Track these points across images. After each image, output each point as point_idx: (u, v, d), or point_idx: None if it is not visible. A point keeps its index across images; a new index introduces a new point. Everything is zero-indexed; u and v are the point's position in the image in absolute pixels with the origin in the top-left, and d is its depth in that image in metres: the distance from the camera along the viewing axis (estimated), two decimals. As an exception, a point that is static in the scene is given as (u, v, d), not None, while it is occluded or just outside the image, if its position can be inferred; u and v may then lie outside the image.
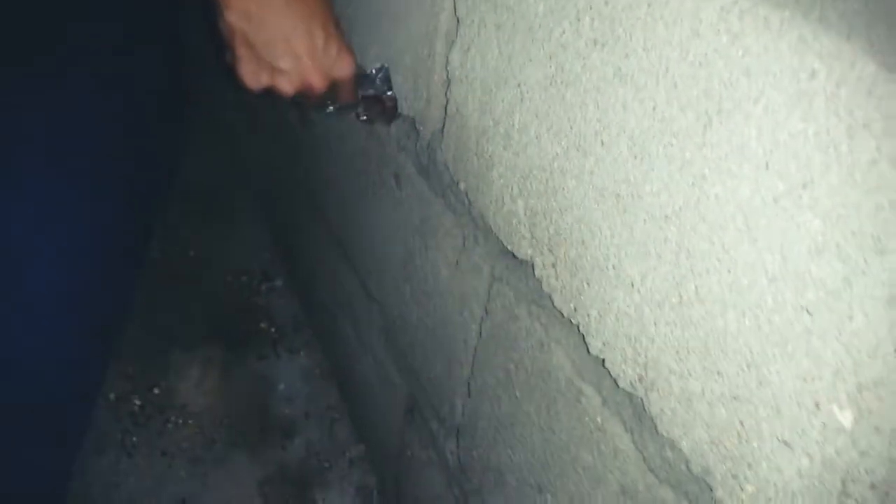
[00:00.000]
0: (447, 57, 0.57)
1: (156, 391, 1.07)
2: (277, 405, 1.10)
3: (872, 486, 0.28)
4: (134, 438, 1.01)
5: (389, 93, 0.69)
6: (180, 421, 1.03)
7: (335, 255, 1.05)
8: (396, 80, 0.68)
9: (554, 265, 0.48)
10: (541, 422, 0.55)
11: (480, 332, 0.63)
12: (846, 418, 0.29)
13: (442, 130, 0.61)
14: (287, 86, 0.60)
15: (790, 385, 0.31)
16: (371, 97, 0.68)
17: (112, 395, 1.03)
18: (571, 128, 0.43)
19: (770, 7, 0.28)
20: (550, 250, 0.48)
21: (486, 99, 0.52)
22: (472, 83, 0.54)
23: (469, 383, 0.67)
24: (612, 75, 0.38)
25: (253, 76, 0.60)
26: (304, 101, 0.64)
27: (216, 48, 0.62)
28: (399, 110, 0.69)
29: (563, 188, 0.45)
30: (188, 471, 0.99)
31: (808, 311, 0.29)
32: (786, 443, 0.32)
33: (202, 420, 1.04)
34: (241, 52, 0.58)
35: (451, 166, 0.61)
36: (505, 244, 0.55)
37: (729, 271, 0.33)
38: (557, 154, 0.45)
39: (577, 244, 0.45)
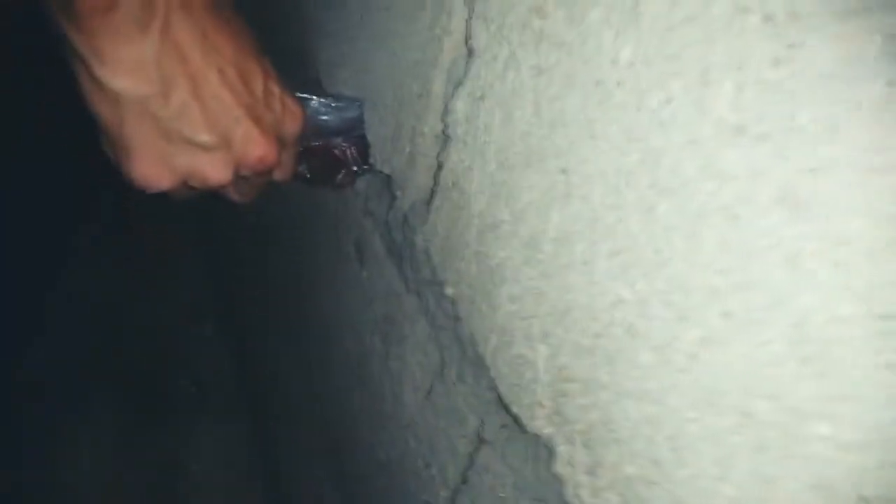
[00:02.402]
0: (447, 104, 0.38)
1: (33, 472, 0.83)
2: (186, 495, 0.87)
3: None
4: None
5: (359, 134, 0.50)
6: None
7: (278, 316, 0.85)
8: (371, 119, 0.49)
9: (591, 471, 0.29)
10: None
11: (447, 483, 0.43)
12: None
13: (428, 204, 0.42)
14: (217, 171, 0.38)
15: None
16: (326, 147, 0.48)
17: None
18: (659, 267, 0.24)
19: None
20: (587, 445, 0.29)
21: (502, 178, 0.34)
22: (483, 150, 0.35)
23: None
24: (773, 199, 0.20)
25: (160, 170, 0.36)
26: (239, 188, 0.43)
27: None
28: (371, 160, 0.50)
29: (630, 360, 0.26)
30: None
31: None
32: None
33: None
34: (137, 135, 0.35)
35: (435, 258, 0.42)
36: (506, 400, 0.35)
37: None
38: (624, 301, 0.26)
39: (645, 462, 0.26)
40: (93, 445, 0.87)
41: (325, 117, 0.49)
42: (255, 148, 0.38)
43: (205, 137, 0.36)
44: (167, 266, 1.13)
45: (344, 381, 0.61)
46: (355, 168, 0.50)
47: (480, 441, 0.39)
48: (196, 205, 1.25)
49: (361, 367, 0.56)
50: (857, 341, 0.18)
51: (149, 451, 0.90)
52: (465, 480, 0.41)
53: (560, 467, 0.32)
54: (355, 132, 0.49)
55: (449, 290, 0.41)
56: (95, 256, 1.10)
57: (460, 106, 0.37)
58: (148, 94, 0.33)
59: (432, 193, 0.41)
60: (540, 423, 0.33)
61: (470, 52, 0.35)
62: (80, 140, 0.38)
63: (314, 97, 0.49)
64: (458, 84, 0.37)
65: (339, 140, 0.49)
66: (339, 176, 0.50)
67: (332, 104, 0.49)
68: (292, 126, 0.41)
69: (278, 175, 0.44)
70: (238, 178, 0.40)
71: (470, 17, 0.35)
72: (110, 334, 1.01)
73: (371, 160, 0.49)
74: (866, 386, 0.18)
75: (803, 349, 0.20)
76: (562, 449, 0.31)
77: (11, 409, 0.90)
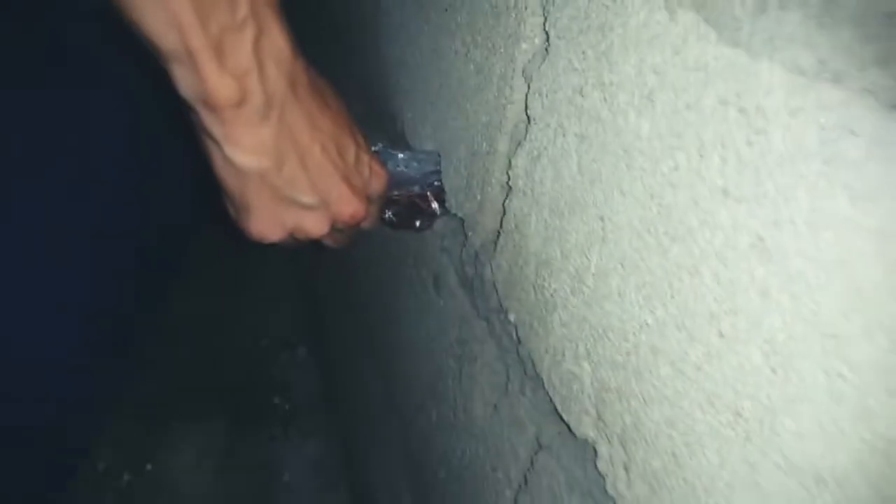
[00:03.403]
0: (510, 160, 0.46)
1: (148, 467, 0.96)
2: (279, 498, 0.97)
3: None
4: (115, 520, 0.90)
5: (437, 183, 0.58)
6: (168, 506, 0.92)
7: (363, 340, 0.94)
8: (447, 170, 0.57)
9: (626, 467, 0.35)
10: None
11: (516, 502, 0.50)
12: None
13: (495, 243, 0.50)
14: (317, 225, 0.46)
15: None
16: (410, 196, 0.57)
17: (100, 466, 0.93)
18: (673, 297, 0.31)
19: None
20: (623, 445, 0.36)
21: (554, 223, 0.41)
22: (539, 199, 0.42)
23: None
24: (749, 245, 0.26)
25: (272, 226, 0.45)
26: (334, 238, 0.51)
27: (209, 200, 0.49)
28: (447, 205, 0.58)
29: (653, 372, 0.33)
30: (169, 567, 0.87)
31: None
32: None
33: (194, 506, 0.92)
34: (255, 199, 0.43)
35: (501, 289, 0.49)
36: (559, 410, 0.42)
37: None
38: (648, 325, 0.33)
39: (666, 456, 0.32)
40: (199, 454, 0.99)
41: (408, 168, 0.58)
42: (348, 207, 0.46)
43: (308, 199, 0.44)
44: (265, 296, 1.26)
45: (421, 398, 0.69)
46: (433, 213, 0.58)
47: (539, 446, 0.45)
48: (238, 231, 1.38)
49: (437, 384, 0.63)
50: (810, 354, 0.24)
51: (247, 459, 1.01)
52: (526, 481, 0.47)
53: (602, 465, 0.38)
54: (434, 181, 0.58)
55: (512, 317, 0.48)
56: (203, 282, 1.23)
57: (521, 162, 0.44)
58: (266, 167, 0.41)
59: (498, 234, 0.49)
60: (586, 429, 0.39)
61: (529, 120, 0.43)
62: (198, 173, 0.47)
63: (399, 152, 0.58)
64: (519, 144, 0.44)
65: (419, 188, 0.57)
66: (420, 220, 0.58)
67: (415, 157, 0.58)
68: (378, 186, 0.49)
69: (366, 224, 0.52)
70: (334, 230, 0.49)
71: (528, 91, 0.43)
72: (215, 355, 1.13)
73: (447, 205, 0.58)
74: (816, 389, 0.24)
75: (773, 360, 0.25)
76: (603, 449, 0.38)
77: (124, 418, 1.02)
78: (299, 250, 1.20)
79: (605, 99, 0.34)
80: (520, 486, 0.48)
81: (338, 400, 1.08)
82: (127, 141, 0.95)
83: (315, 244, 0.51)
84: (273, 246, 0.49)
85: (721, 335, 0.28)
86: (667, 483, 0.32)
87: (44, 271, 0.85)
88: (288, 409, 1.09)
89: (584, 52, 0.36)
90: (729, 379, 0.28)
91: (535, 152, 0.42)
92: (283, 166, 0.42)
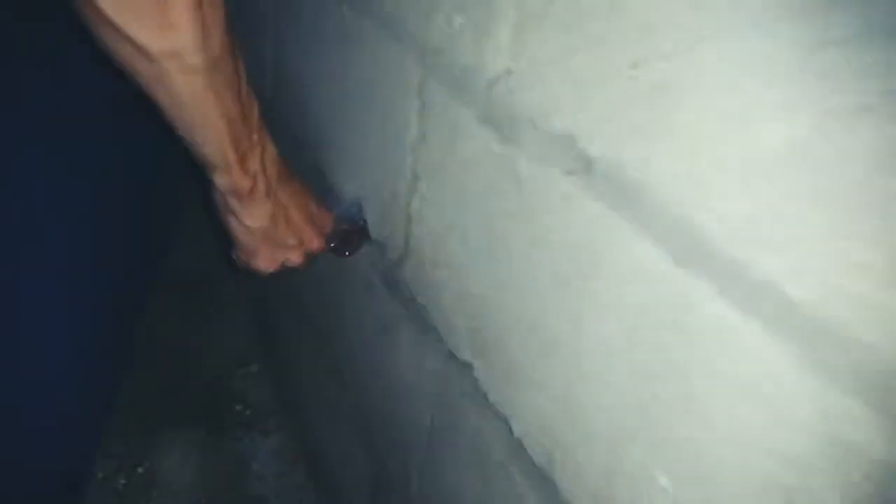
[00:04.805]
0: (408, 202, 0.74)
1: (139, 470, 1.17)
2: (251, 484, 1.20)
3: None
4: (118, 516, 1.10)
5: (362, 222, 0.86)
6: (162, 499, 1.13)
7: (313, 347, 1.19)
8: (368, 210, 0.85)
9: (488, 369, 0.64)
10: (476, 489, 0.68)
11: (433, 422, 0.77)
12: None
13: (404, 255, 0.77)
14: (297, 258, 0.73)
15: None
16: (344, 231, 0.84)
17: (100, 475, 1.12)
18: (507, 273, 0.59)
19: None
20: (483, 355, 0.64)
21: (437, 239, 0.69)
22: (428, 224, 0.71)
23: (427, 463, 0.80)
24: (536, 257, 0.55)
25: (270, 262, 0.71)
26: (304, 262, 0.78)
27: (221, 247, 0.74)
28: (371, 235, 0.86)
29: (491, 314, 0.61)
30: (168, 546, 1.08)
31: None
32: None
33: (183, 497, 1.14)
34: (259, 247, 0.69)
35: (410, 284, 0.77)
36: (452, 350, 0.70)
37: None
38: (486, 287, 0.61)
39: (501, 351, 0.61)
40: (182, 454, 1.21)
41: (341, 212, 0.85)
42: (315, 242, 0.75)
43: (291, 242, 0.72)
44: (222, 322, 1.49)
45: (364, 375, 0.95)
46: (362, 240, 0.85)
47: (444, 378, 0.73)
48: (239, 271, 1.61)
49: (374, 360, 0.90)
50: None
51: (221, 455, 1.23)
52: (437, 406, 0.75)
53: (476, 373, 0.66)
54: (360, 219, 0.85)
55: (419, 300, 0.75)
56: (169, 312, 1.45)
57: (415, 203, 0.72)
58: (267, 227, 0.69)
59: (405, 249, 0.76)
60: (466, 355, 0.67)
61: (416, 176, 0.71)
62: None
63: (334, 201, 0.85)
64: (413, 191, 0.72)
65: (350, 226, 0.85)
66: (352, 247, 0.86)
67: (345, 205, 0.86)
68: (327, 226, 0.77)
69: (319, 251, 0.80)
70: (305, 258, 0.76)
71: (415, 160, 0.71)
72: (187, 374, 1.36)
73: (371, 235, 0.85)
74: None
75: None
76: (476, 363, 0.66)
77: (114, 432, 1.21)
78: (255, 283, 1.43)
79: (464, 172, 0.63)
80: (433, 412, 0.75)
81: (290, 400, 1.32)
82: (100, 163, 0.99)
83: (293, 269, 0.78)
84: (270, 275, 0.75)
85: (522, 291, 0.57)
86: (508, 369, 0.61)
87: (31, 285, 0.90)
88: (249, 414, 1.33)
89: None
90: (516, 315, 0.57)
91: (422, 196, 0.71)
92: (277, 225, 0.69)
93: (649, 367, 0.43)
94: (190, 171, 0.70)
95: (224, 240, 0.71)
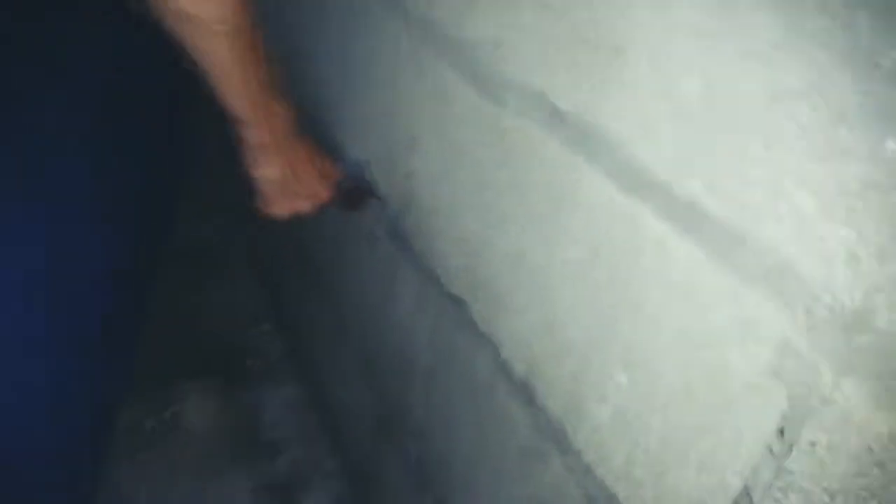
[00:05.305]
0: (408, 160, 0.83)
1: (166, 415, 1.28)
2: (266, 429, 1.31)
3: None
4: (146, 455, 1.21)
5: (367, 179, 0.95)
6: (186, 441, 1.24)
7: (320, 303, 1.29)
8: (372, 171, 0.94)
9: (479, 302, 0.73)
10: (467, 408, 0.78)
11: (430, 357, 0.87)
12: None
13: (405, 208, 0.87)
14: (307, 207, 0.84)
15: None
16: (351, 188, 0.93)
17: (128, 419, 1.22)
18: (494, 214, 0.69)
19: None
20: (474, 292, 0.73)
21: (433, 191, 0.78)
22: (425, 178, 0.80)
23: (425, 395, 0.90)
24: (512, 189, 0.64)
25: (283, 210, 0.82)
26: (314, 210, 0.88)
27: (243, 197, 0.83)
28: (375, 194, 0.95)
29: (481, 253, 0.70)
30: (191, 483, 1.19)
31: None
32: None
33: (204, 440, 1.24)
34: (276, 195, 0.80)
35: (410, 234, 0.86)
36: (448, 289, 0.79)
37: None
38: (477, 229, 0.71)
39: (490, 286, 0.70)
40: (202, 401, 1.32)
41: (349, 171, 0.94)
42: (323, 193, 0.84)
43: (302, 191, 0.81)
44: (234, 284, 1.59)
45: (368, 320, 1.05)
46: (367, 196, 0.94)
47: (438, 313, 0.82)
48: (248, 233, 1.70)
49: (378, 304, 1.00)
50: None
51: (236, 403, 1.35)
52: (433, 339, 0.84)
53: (468, 307, 0.75)
54: (364, 178, 0.94)
55: (417, 247, 0.85)
56: (182, 277, 1.55)
57: (414, 160, 0.81)
58: (280, 177, 0.78)
59: (409, 204, 0.86)
60: (459, 291, 0.77)
61: (414, 138, 0.80)
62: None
63: (342, 160, 0.94)
64: (412, 150, 0.81)
65: (356, 184, 0.94)
66: (358, 202, 0.95)
67: (352, 164, 0.95)
68: (334, 175, 0.86)
69: (327, 203, 0.89)
70: (314, 207, 0.86)
71: (413, 124, 0.80)
72: (200, 335, 1.46)
73: (374, 191, 0.94)
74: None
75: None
76: (467, 297, 0.75)
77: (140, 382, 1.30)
78: (264, 245, 1.53)
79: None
80: (429, 341, 0.85)
81: (299, 354, 1.43)
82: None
83: (304, 216, 0.87)
84: (284, 220, 0.85)
85: (504, 228, 0.66)
86: (496, 302, 0.70)
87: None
88: (261, 367, 1.43)
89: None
90: (506, 249, 0.66)
91: (421, 154, 0.80)
92: (289, 177, 0.78)
93: (607, 281, 0.53)
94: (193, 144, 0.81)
95: (246, 195, 0.82)
